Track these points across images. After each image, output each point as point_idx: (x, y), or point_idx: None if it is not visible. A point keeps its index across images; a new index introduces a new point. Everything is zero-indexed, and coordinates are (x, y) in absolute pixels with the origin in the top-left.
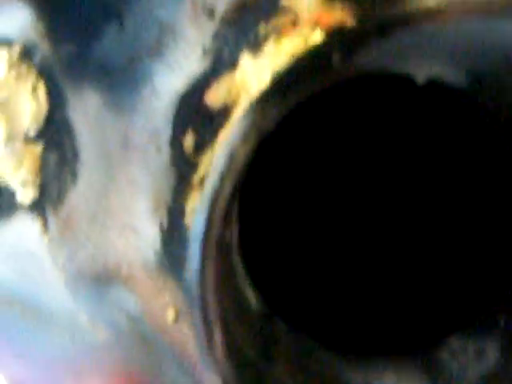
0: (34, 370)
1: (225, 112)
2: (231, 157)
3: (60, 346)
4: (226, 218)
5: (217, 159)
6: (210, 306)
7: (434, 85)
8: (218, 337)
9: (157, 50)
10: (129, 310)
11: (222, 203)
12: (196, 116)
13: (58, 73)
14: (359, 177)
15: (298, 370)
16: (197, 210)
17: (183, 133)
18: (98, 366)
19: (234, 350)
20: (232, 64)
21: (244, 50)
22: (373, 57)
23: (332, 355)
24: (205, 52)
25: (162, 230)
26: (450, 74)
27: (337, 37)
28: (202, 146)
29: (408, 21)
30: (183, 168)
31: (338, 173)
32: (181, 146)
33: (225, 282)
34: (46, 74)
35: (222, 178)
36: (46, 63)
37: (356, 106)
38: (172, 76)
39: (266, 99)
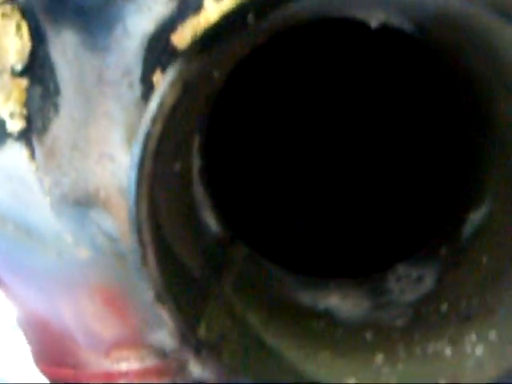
0: (28, 281)
1: (200, 47)
2: (160, 103)
3: (49, 262)
4: (161, 153)
5: (149, 104)
6: (143, 228)
7: (385, 30)
8: (151, 257)
9: None
10: (107, 230)
11: (152, 142)
12: (164, 55)
13: (39, 13)
14: (322, 112)
15: (247, 290)
16: (133, 147)
17: (152, 71)
18: (82, 281)
19: (174, 269)
20: (197, 7)
21: None
22: (296, 10)
23: (283, 275)
24: None
25: None
26: (398, 20)
27: None
28: None
29: None
30: None
31: (303, 108)
32: (150, 82)
33: (178, 209)
34: (28, 13)
35: (153, 121)
36: (29, 4)
37: (324, 47)
38: (142, 18)
39: (189, 54)
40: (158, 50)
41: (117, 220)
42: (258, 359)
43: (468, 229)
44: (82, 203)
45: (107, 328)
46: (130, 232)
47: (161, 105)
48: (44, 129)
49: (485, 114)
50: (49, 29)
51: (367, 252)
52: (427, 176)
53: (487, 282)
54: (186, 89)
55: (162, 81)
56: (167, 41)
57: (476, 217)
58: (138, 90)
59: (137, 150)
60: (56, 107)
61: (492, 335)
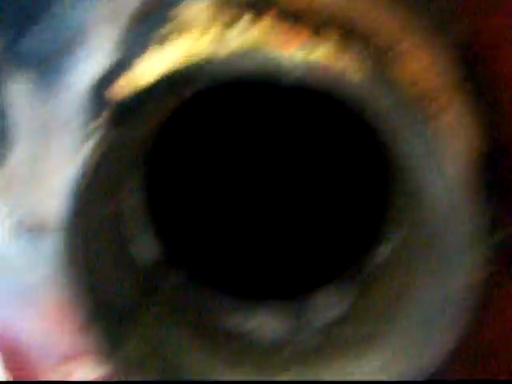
0: None
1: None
2: (84, 163)
3: (4, 282)
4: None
5: (76, 164)
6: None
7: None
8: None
9: (75, 44)
10: (54, 253)
11: (77, 203)
12: (103, 105)
13: None
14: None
15: (172, 315)
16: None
17: (93, 118)
18: (36, 300)
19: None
20: (132, 62)
21: (141, 52)
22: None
23: (213, 299)
24: (116, 48)
25: None
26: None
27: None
28: None
29: None
30: None
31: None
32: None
33: (105, 241)
34: None
35: (77, 185)
36: None
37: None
38: (86, 69)
39: (105, 125)
40: (98, 101)
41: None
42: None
43: (378, 260)
44: (35, 230)
45: (58, 342)
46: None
47: (83, 170)
48: (2, 162)
49: (393, 160)
50: (5, 74)
51: (292, 276)
52: (348, 210)
53: (386, 310)
54: (104, 156)
55: (82, 151)
56: (106, 93)
57: (384, 250)
58: (82, 136)
59: (65, 208)
60: (13, 143)
61: (388, 354)
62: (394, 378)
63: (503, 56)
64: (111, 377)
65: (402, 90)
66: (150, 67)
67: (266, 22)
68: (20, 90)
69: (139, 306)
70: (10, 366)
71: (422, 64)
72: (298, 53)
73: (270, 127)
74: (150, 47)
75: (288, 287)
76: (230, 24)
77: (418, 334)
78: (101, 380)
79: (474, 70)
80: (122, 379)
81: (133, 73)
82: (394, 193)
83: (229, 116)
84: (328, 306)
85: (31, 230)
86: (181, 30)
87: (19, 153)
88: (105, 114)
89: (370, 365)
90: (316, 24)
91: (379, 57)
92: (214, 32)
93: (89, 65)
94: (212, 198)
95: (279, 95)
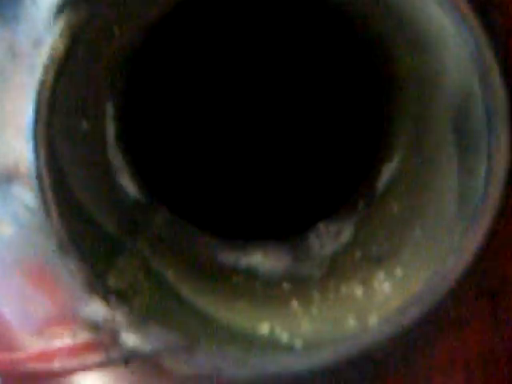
0: None
1: None
2: (50, 51)
3: None
4: (58, 103)
5: (40, 53)
6: (43, 174)
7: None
8: (52, 205)
9: None
10: (29, 205)
11: (46, 90)
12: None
13: None
14: (238, 76)
15: (165, 249)
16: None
17: (79, 7)
18: (8, 259)
19: (81, 221)
20: None
21: None
22: None
23: (206, 238)
24: None
25: None
26: None
27: None
28: None
29: None
30: None
31: (221, 75)
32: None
33: (90, 169)
34: None
35: (45, 68)
36: None
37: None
38: None
39: (76, 2)
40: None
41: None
42: (171, 309)
43: (381, 182)
44: (2, 179)
45: (37, 306)
46: (34, 184)
47: (51, 53)
48: None
49: (394, 71)
50: None
51: (289, 213)
52: (344, 135)
53: (395, 227)
54: (75, 37)
55: (52, 30)
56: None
57: (388, 169)
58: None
59: (32, 97)
60: None
61: (398, 272)
62: (406, 300)
63: None
64: (91, 342)
65: None
66: None
67: None
68: None
69: (125, 238)
70: None
71: None
72: None
73: (258, 45)
74: None
75: (284, 225)
76: None
77: (434, 245)
78: (83, 343)
79: None
80: (108, 307)
81: None
82: (393, 112)
83: (212, 35)
84: (330, 236)
85: None
86: None
87: None
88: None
89: (381, 286)
90: None
91: None
92: None
93: None
94: (197, 130)
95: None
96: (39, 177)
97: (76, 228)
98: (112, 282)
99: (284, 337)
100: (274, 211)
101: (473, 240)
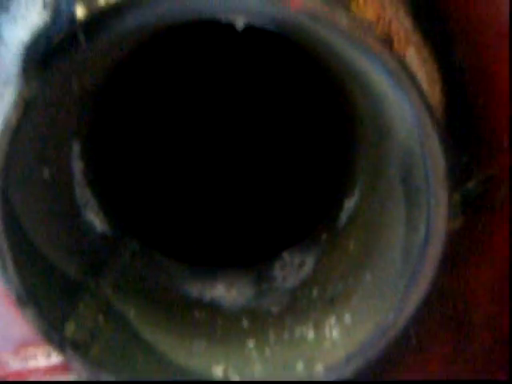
0: None
1: (38, 62)
2: (5, 121)
3: None
4: (15, 163)
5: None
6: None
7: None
8: (9, 262)
9: (2, 4)
10: None
11: (1, 155)
12: (40, 63)
13: None
14: (205, 109)
15: (130, 286)
16: None
17: (30, 78)
18: None
19: (41, 271)
20: (69, 16)
21: (77, 3)
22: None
23: (174, 268)
24: (45, 5)
25: None
26: (260, 22)
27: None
28: None
29: None
30: None
31: (186, 106)
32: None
33: (51, 213)
34: None
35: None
36: None
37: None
38: (17, 27)
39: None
40: (35, 57)
41: None
42: (130, 354)
43: (343, 216)
44: None
45: (14, 328)
46: None
47: (6, 124)
48: None
49: (352, 111)
50: None
51: (256, 242)
52: (310, 171)
53: (350, 268)
54: (29, 106)
55: (5, 100)
56: (44, 50)
57: (349, 205)
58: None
59: None
60: None
61: (347, 318)
62: (351, 351)
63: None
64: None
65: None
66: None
67: None
68: None
69: (86, 281)
70: None
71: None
72: None
73: (225, 80)
74: None
75: (247, 255)
76: None
77: (379, 294)
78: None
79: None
80: (64, 357)
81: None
82: (356, 151)
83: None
84: (293, 268)
85: None
86: None
87: None
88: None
89: (330, 332)
90: None
91: None
92: None
93: (18, 24)
94: (162, 165)
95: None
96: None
97: (34, 279)
98: (69, 331)
99: (236, 379)
100: (240, 240)
101: (412, 298)
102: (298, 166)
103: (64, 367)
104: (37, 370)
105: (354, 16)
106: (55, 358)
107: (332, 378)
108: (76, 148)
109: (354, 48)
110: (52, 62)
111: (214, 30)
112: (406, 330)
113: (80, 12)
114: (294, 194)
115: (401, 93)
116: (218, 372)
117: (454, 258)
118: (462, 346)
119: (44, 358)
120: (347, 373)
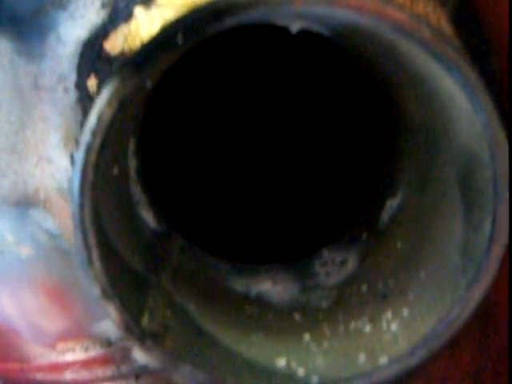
0: None
1: (122, 58)
2: (98, 118)
3: None
4: (101, 162)
5: (88, 119)
6: (88, 233)
7: (306, 34)
8: (96, 258)
9: (60, 2)
10: (48, 229)
11: (93, 154)
12: (98, 61)
13: None
14: (249, 111)
15: (185, 280)
16: (75, 159)
17: (87, 76)
18: (25, 277)
19: (117, 266)
20: (127, 15)
21: (138, 2)
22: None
23: (219, 264)
24: (103, 4)
25: (72, 160)
26: (317, 27)
27: (182, 18)
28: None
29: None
30: (88, 106)
31: (230, 107)
32: (85, 87)
33: (117, 209)
34: None
35: (93, 134)
36: None
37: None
38: (75, 25)
39: (123, 73)
40: (92, 56)
41: (57, 219)
42: (197, 345)
43: (385, 216)
44: (22, 204)
45: (51, 321)
46: (75, 237)
47: (99, 120)
48: None
49: (399, 114)
50: None
51: (296, 239)
52: (351, 169)
53: (401, 265)
54: (121, 105)
55: (100, 98)
56: (100, 47)
57: (392, 204)
58: (73, 94)
59: (79, 161)
60: None
61: (405, 312)
62: (414, 342)
63: None
64: (103, 357)
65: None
66: (152, 16)
67: None
68: (0, 51)
69: (150, 276)
70: (2, 351)
71: None
72: None
73: (267, 82)
74: None
75: (292, 251)
76: None
77: (438, 290)
78: (95, 357)
79: None
80: (143, 349)
81: (132, 25)
82: (399, 152)
83: (224, 72)
84: (335, 265)
85: (17, 204)
86: None
87: (1, 120)
88: (115, 68)
89: (389, 325)
90: None
91: None
92: None
93: (76, 22)
94: (211, 164)
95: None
96: (84, 236)
97: (115, 274)
98: (146, 323)
99: (300, 371)
100: (281, 236)
101: (476, 293)
102: (339, 165)
103: (101, 360)
104: (74, 363)
105: (432, 27)
106: (93, 352)
107: (397, 370)
108: (131, 146)
109: (430, 57)
110: (149, 63)
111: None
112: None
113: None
114: (335, 193)
115: (475, 99)
116: (281, 364)
117: None
118: (489, 339)
119: (82, 352)
120: (411, 364)
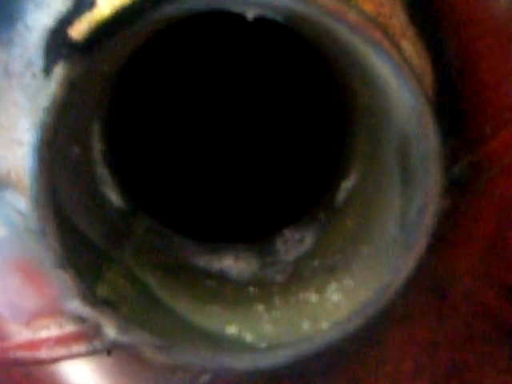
0: None
1: (88, 44)
2: (50, 96)
3: None
4: (56, 141)
5: (42, 98)
6: (44, 206)
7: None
8: (51, 230)
9: None
10: (20, 209)
11: (46, 134)
12: (64, 48)
13: None
14: (215, 96)
15: (147, 256)
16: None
17: (54, 62)
18: (4, 258)
19: (73, 238)
20: (90, 3)
21: None
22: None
23: (182, 242)
24: None
25: None
26: (271, 14)
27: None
28: None
29: None
30: None
31: (199, 90)
32: (52, 72)
33: (78, 186)
34: None
35: (45, 114)
36: None
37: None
38: (41, 13)
39: (73, 55)
40: (58, 42)
41: (28, 199)
42: (154, 314)
43: (340, 197)
44: None
45: (26, 300)
46: (32, 210)
47: (51, 99)
48: None
49: (352, 99)
50: None
51: (258, 219)
52: (310, 150)
53: (348, 242)
54: (73, 86)
55: (52, 77)
56: (66, 34)
57: (346, 185)
58: (41, 80)
59: (33, 141)
60: None
61: (348, 283)
62: (353, 310)
63: None
64: (76, 333)
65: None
66: (113, 4)
67: None
68: None
69: (110, 249)
70: None
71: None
72: None
73: (231, 68)
74: None
75: (252, 230)
76: None
77: (378, 262)
78: (69, 334)
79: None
80: (97, 319)
81: (95, 12)
82: (352, 137)
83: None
84: (294, 243)
85: None
86: None
87: None
88: (68, 50)
89: (332, 295)
90: None
91: None
92: None
93: (42, 10)
94: (173, 143)
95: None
96: (37, 198)
97: (69, 242)
98: (101, 292)
99: (249, 337)
100: (243, 217)
101: (408, 260)
102: (298, 151)
103: (75, 337)
104: (48, 339)
105: (360, 10)
106: (67, 328)
107: (337, 335)
108: (96, 128)
109: (359, 40)
110: (98, 45)
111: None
112: (393, 302)
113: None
114: (295, 176)
115: (401, 80)
116: (231, 331)
117: (438, 237)
118: (444, 318)
119: (56, 329)
120: (350, 329)
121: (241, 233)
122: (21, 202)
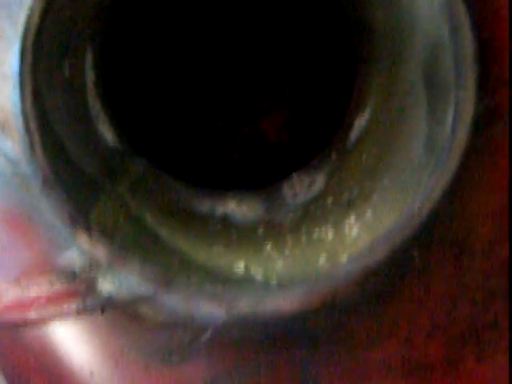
0: None
1: None
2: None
3: None
4: (42, 47)
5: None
6: (29, 115)
7: None
8: (37, 144)
9: None
10: (7, 153)
11: (31, 33)
12: None
13: None
14: (215, 25)
15: (143, 194)
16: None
17: None
18: None
19: (64, 161)
20: None
21: None
22: None
23: (182, 187)
24: None
25: None
26: None
27: None
28: None
29: None
30: None
31: (198, 21)
32: None
33: (72, 116)
34: None
35: (31, 12)
36: None
37: None
38: None
39: None
40: None
41: (16, 142)
42: (150, 247)
43: (353, 134)
44: None
45: (14, 254)
46: (17, 121)
47: (35, 2)
48: None
49: (364, 22)
50: None
51: (264, 165)
52: (318, 86)
53: (365, 175)
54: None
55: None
56: None
57: (360, 123)
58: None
59: (18, 40)
60: None
61: (368, 215)
62: (376, 241)
63: None
64: (68, 290)
65: None
66: None
67: None
68: None
69: (105, 181)
70: None
71: None
72: None
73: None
74: None
75: (259, 175)
76: None
77: (400, 192)
78: (60, 292)
79: None
80: (90, 241)
81: None
82: (365, 73)
83: None
84: (303, 187)
85: None
86: None
87: None
88: None
89: (351, 230)
90: None
91: None
92: None
93: None
94: (174, 79)
95: None
96: (25, 117)
97: (59, 165)
98: (94, 217)
99: (259, 275)
100: (249, 162)
101: (438, 183)
102: (305, 87)
103: (67, 294)
104: (38, 298)
105: None
106: (58, 285)
107: (356, 268)
108: (89, 57)
109: None
110: None
111: None
112: (410, 252)
113: None
114: (302, 117)
115: None
116: (239, 268)
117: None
118: (464, 267)
119: (46, 286)
120: (371, 262)
121: (245, 181)
122: (8, 145)
